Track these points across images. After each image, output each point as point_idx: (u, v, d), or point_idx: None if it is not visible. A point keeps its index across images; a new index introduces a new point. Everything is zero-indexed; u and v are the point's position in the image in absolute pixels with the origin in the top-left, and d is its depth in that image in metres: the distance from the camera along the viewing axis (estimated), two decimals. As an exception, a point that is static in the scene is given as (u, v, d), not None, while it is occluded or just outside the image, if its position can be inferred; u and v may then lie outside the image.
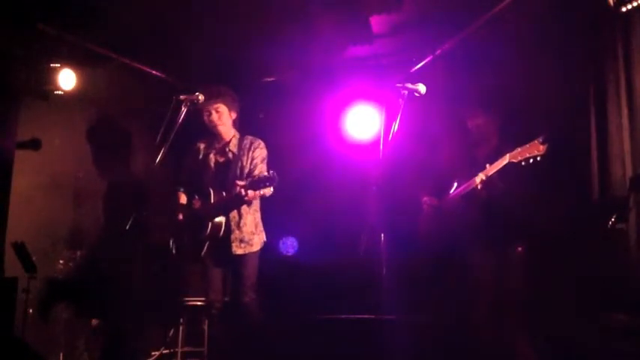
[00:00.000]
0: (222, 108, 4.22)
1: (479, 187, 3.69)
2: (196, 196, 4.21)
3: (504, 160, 3.58)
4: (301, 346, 4.35)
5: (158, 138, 3.62)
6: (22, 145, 4.53)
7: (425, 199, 4.13)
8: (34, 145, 4.58)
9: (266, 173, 3.82)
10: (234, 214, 4.12)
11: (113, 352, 4.82)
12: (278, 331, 4.34)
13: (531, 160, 3.47)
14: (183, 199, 4.32)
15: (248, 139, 4.27)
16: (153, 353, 5.12)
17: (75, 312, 4.83)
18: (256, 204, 4.24)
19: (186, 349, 5.09)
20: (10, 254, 4.33)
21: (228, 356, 4.23)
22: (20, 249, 4.34)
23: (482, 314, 3.73)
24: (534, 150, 3.46)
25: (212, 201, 4.08)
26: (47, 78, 4.72)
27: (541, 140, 3.46)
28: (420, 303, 4.13)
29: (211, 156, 4.26)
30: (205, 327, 4.95)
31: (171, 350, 5.11)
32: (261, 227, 4.25)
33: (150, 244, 5.12)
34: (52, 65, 4.71)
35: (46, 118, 4.86)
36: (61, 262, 4.87)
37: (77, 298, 4.85)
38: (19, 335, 4.17)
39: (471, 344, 3.65)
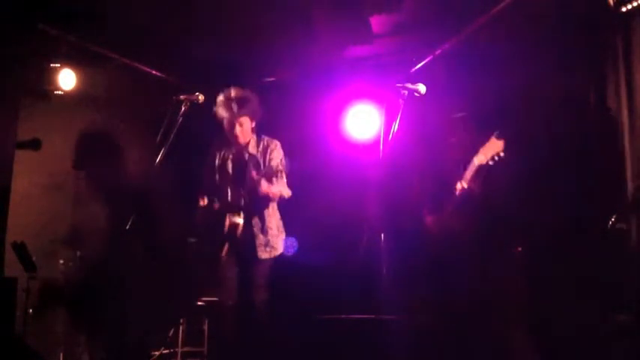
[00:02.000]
0: (246, 121, 4.20)
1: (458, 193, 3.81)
2: (216, 199, 4.25)
3: (474, 166, 3.72)
4: (301, 346, 4.34)
5: (158, 138, 3.62)
6: (22, 145, 4.53)
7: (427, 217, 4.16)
8: (34, 145, 4.58)
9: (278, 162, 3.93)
10: (256, 220, 4.17)
11: (114, 352, 4.82)
12: (278, 331, 4.34)
13: (497, 158, 3.61)
14: (204, 201, 4.35)
15: (264, 140, 4.29)
16: (153, 353, 5.12)
17: (75, 316, 4.83)
18: (275, 206, 4.28)
19: (186, 349, 5.09)
20: (10, 254, 4.33)
21: (228, 356, 4.23)
22: (20, 249, 4.34)
23: (482, 314, 3.73)
24: (495, 147, 3.61)
25: (229, 199, 4.12)
26: (47, 78, 4.72)
27: (496, 136, 3.61)
28: (420, 303, 4.13)
29: (229, 161, 4.29)
30: (205, 327, 4.95)
31: (171, 350, 5.11)
32: (282, 227, 4.31)
33: (150, 244, 5.12)
34: (52, 65, 4.72)
35: (46, 118, 4.86)
36: (61, 262, 4.87)
37: (78, 303, 4.85)
38: (19, 335, 4.17)
39: (471, 344, 3.65)
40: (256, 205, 4.14)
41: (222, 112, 4.14)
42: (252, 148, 4.26)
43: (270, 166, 4.00)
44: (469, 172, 3.73)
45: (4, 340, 3.49)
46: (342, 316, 4.46)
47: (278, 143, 4.31)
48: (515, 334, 3.65)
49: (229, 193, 4.14)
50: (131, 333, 5.00)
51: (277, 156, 4.22)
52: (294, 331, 4.51)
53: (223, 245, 4.09)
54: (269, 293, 4.10)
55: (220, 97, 4.17)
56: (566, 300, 3.72)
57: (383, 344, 3.62)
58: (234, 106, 4.10)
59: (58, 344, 4.70)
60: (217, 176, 4.29)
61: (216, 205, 4.22)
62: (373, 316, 4.15)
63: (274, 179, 3.98)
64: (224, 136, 4.25)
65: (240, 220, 4.10)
